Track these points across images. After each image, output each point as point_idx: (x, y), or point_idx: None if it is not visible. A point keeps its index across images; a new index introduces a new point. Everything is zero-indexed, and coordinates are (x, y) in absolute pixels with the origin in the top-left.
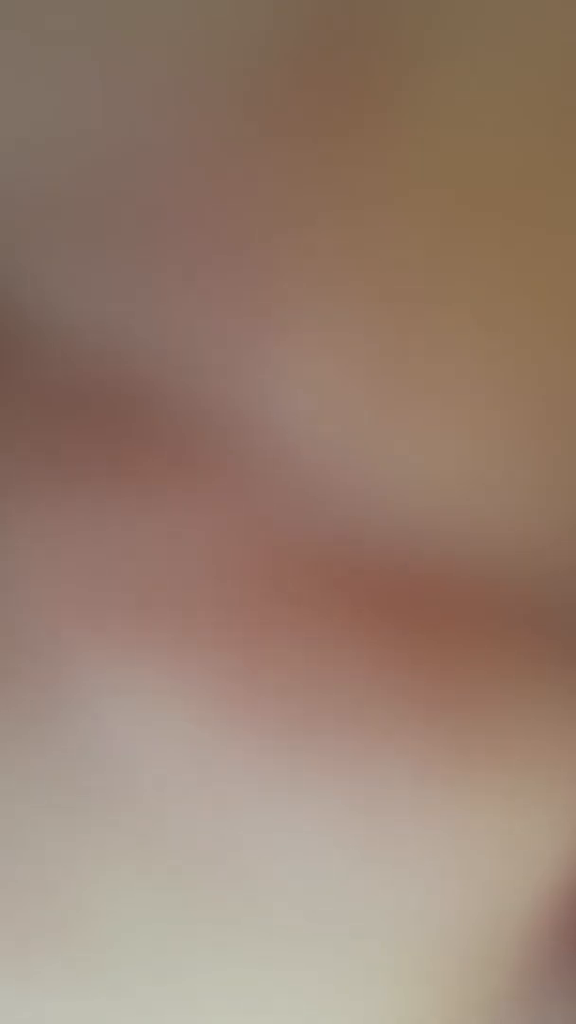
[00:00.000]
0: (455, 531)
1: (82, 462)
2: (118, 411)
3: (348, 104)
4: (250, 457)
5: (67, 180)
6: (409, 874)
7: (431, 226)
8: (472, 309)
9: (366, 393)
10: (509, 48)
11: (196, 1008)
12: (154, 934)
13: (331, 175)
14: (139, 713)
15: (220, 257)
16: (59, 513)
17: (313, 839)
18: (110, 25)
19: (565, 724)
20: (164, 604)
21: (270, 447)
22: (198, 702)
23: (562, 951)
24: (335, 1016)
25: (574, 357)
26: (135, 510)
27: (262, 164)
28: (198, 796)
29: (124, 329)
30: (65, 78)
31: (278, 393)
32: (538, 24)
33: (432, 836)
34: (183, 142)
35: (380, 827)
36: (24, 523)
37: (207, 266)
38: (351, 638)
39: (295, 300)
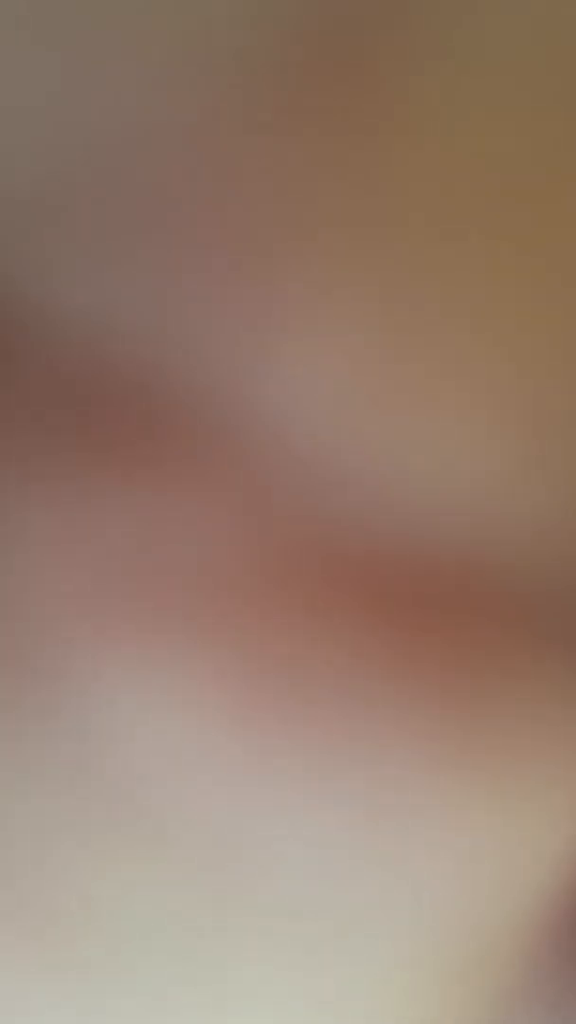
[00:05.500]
0: (458, 525)
1: (83, 455)
2: (121, 404)
3: (353, 102)
4: (254, 450)
5: (70, 173)
6: (413, 872)
7: (433, 219)
8: (472, 303)
9: (368, 385)
10: (512, 49)
11: (199, 1007)
12: (156, 933)
13: (334, 171)
14: (142, 710)
15: (223, 249)
16: (60, 507)
17: (316, 836)
18: (112, 20)
19: (566, 722)
20: (165, 598)
21: (273, 440)
22: (202, 697)
23: (565, 948)
24: (339, 1016)
25: (572, 352)
26: (137, 504)
27: (265, 157)
28: (201, 793)
29: (127, 322)
30: (67, 70)
31: (281, 385)
32: (542, 33)
33: (435, 834)
34: (186, 134)
35: (384, 825)
36: (26, 516)
37: (210, 258)
38: (354, 635)
39: (298, 292)
